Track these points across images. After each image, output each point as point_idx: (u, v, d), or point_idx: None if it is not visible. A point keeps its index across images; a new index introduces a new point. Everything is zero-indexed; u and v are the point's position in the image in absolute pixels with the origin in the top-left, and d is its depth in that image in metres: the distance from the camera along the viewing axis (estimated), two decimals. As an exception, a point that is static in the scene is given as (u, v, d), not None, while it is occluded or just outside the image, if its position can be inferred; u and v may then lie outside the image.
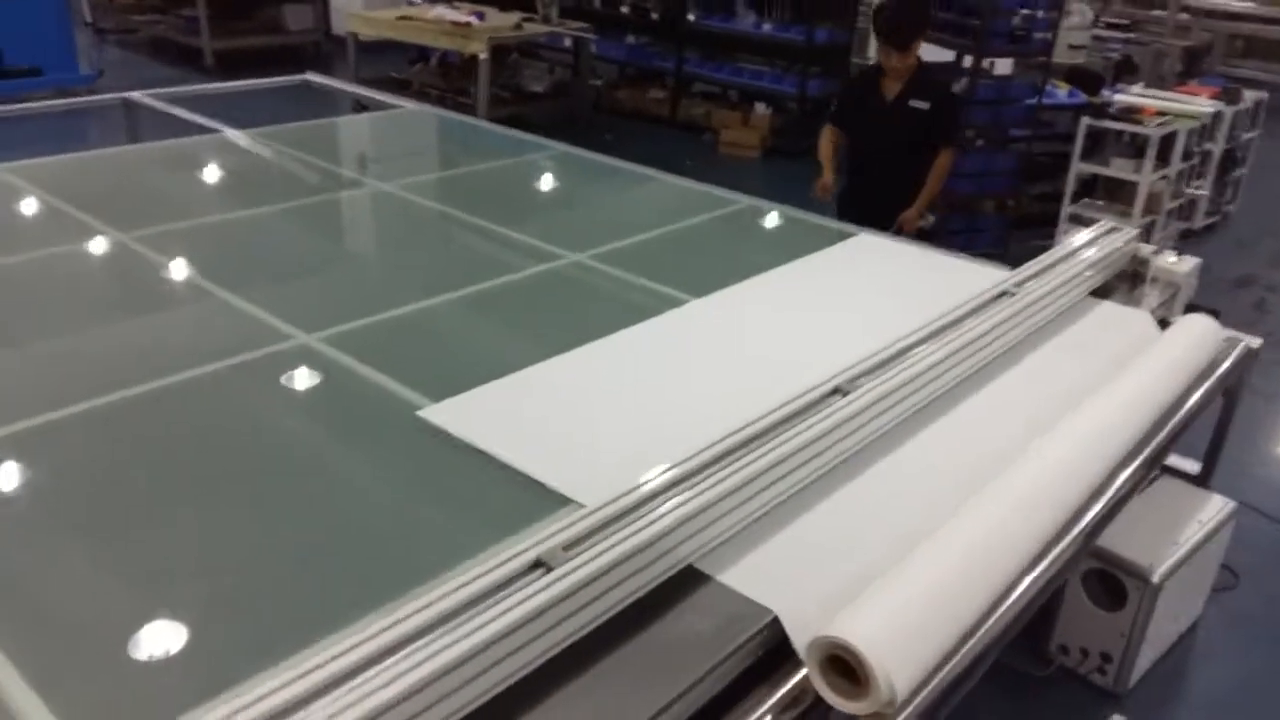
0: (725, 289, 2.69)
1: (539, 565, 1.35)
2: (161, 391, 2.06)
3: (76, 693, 1.32)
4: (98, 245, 2.81)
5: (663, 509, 1.49)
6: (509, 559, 1.35)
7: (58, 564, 1.58)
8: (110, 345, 2.32)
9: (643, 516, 1.47)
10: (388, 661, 1.19)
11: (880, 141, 3.76)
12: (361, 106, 5.25)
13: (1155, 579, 2.43)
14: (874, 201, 3.61)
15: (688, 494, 1.53)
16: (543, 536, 1.40)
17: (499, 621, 1.25)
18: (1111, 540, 2.45)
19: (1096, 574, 2.52)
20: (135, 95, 4.47)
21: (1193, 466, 2.92)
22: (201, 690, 1.26)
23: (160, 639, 1.39)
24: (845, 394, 1.89)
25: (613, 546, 1.39)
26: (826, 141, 3.92)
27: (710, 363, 2.31)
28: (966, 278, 2.78)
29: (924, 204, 3.68)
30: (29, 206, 3.10)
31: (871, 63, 4.51)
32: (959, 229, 5.66)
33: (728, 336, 2.45)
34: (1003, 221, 6.03)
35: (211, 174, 3.63)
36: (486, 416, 1.99)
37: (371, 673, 1.17)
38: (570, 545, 1.39)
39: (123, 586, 1.55)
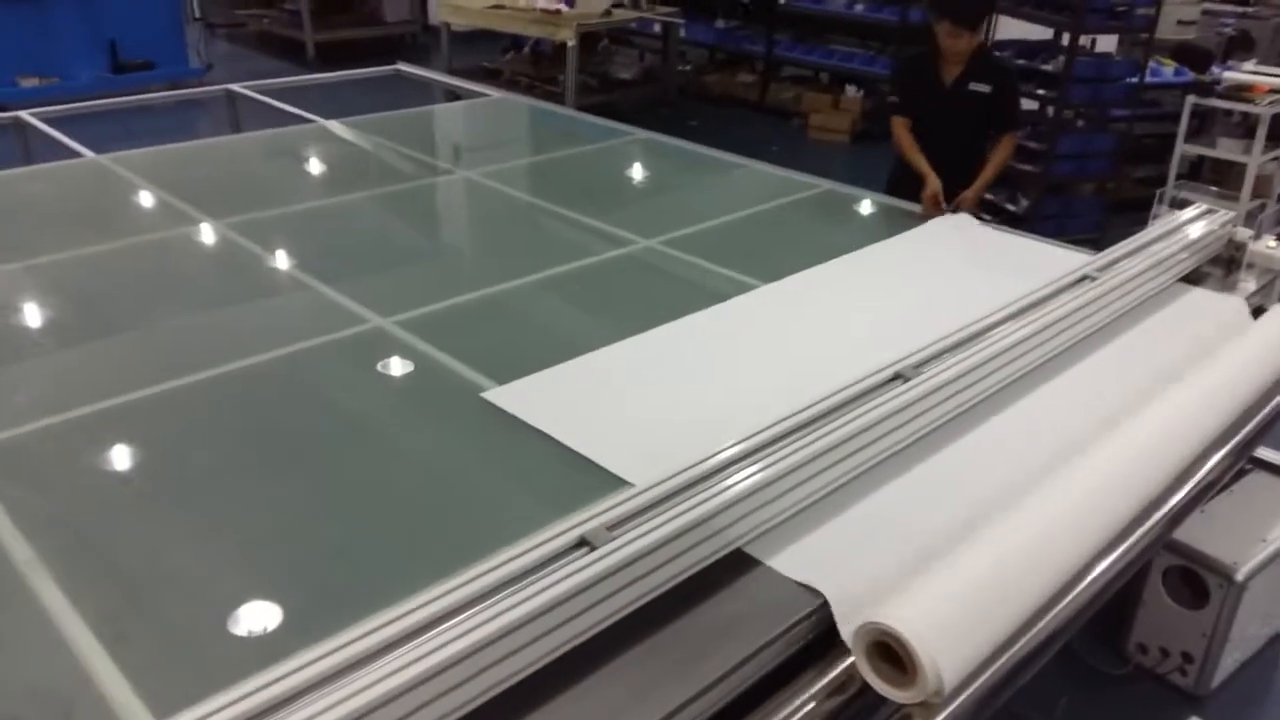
0: (795, 274, 2.67)
1: (583, 544, 1.38)
2: (247, 370, 2.15)
3: (146, 648, 1.40)
4: (194, 231, 2.94)
5: (710, 491, 1.50)
6: (553, 537, 1.38)
7: (147, 525, 1.68)
8: (198, 327, 2.43)
9: (690, 498, 1.48)
10: (431, 632, 1.22)
11: (939, 127, 3.58)
12: (454, 95, 5.36)
13: (1239, 577, 2.34)
14: None
15: (735, 477, 1.54)
16: (587, 516, 1.43)
17: (541, 597, 1.27)
18: (1194, 536, 2.36)
19: (1178, 570, 2.43)
20: (236, 87, 4.65)
21: (1284, 460, 2.79)
22: (254, 655, 1.33)
23: (227, 603, 1.47)
24: (906, 380, 1.87)
25: (657, 527, 1.41)
26: (904, 134, 3.59)
27: (773, 348, 2.30)
28: (1052, 262, 2.70)
29: (981, 187, 3.52)
30: (132, 195, 3.26)
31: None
32: (1053, 213, 5.49)
33: (792, 322, 2.44)
34: (1101, 205, 5.82)
35: (305, 162, 3.76)
36: (548, 400, 2.02)
37: (415, 643, 1.21)
38: (615, 525, 1.41)
39: (201, 550, 1.64)
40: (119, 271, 2.72)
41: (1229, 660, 2.47)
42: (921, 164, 3.45)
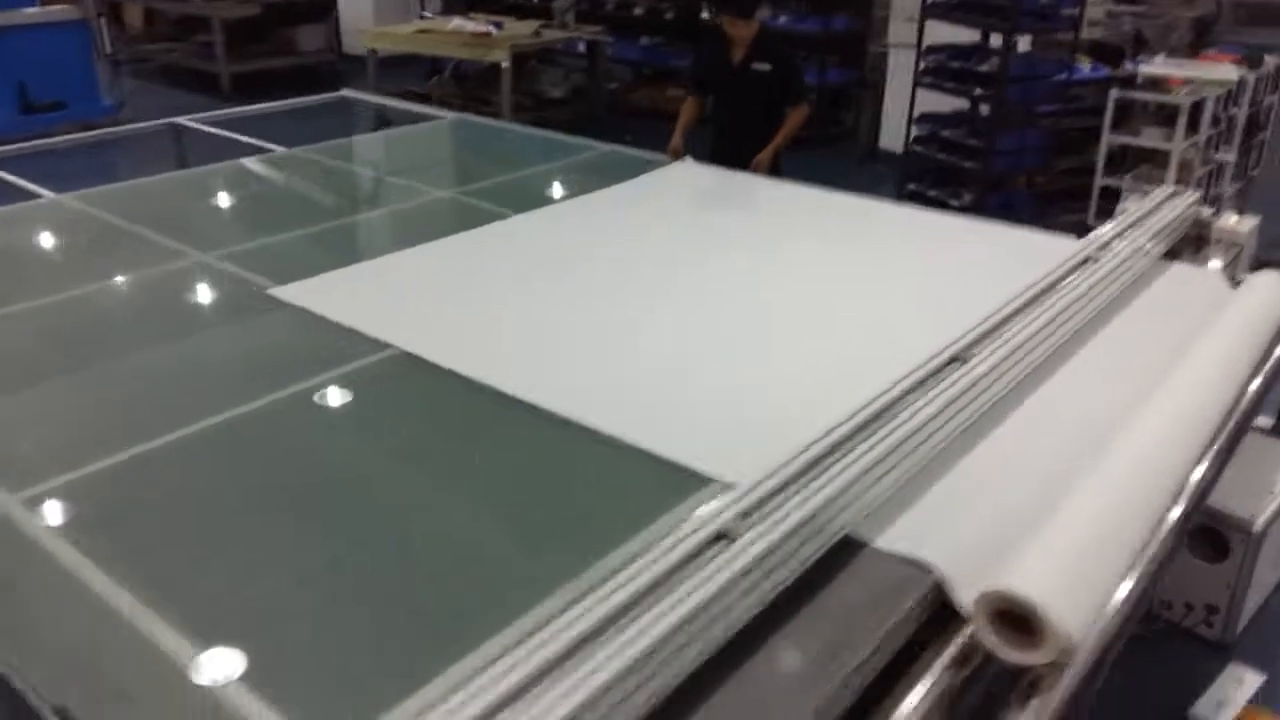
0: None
1: (721, 538, 1.40)
2: (273, 405, 2.09)
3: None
4: (189, 267, 2.85)
5: (820, 480, 1.54)
6: (691, 533, 1.39)
7: (214, 561, 1.64)
8: (218, 364, 2.37)
9: (804, 488, 1.52)
10: (596, 641, 1.22)
11: (734, 103, 4.24)
12: (385, 121, 5.25)
13: (1257, 529, 2.47)
14: (735, 157, 3.99)
15: (842, 464, 1.58)
16: (716, 510, 1.44)
17: (699, 593, 1.28)
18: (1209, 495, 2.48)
19: (1195, 528, 2.55)
20: (183, 120, 4.53)
21: (1264, 420, 2.95)
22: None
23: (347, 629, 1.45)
24: (964, 361, 1.95)
25: (785, 517, 1.44)
26: (686, 110, 4.34)
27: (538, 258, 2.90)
28: (743, 189, 3.64)
29: (771, 151, 4.13)
30: (111, 233, 3.13)
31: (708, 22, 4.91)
32: (994, 205, 5.70)
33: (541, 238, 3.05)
34: (1032, 197, 6.07)
35: (280, 190, 3.69)
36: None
37: (582, 654, 1.20)
38: (745, 514, 1.43)
39: (278, 582, 1.60)
40: (121, 310, 2.64)
41: (1249, 605, 2.61)
42: (679, 130, 4.17)
